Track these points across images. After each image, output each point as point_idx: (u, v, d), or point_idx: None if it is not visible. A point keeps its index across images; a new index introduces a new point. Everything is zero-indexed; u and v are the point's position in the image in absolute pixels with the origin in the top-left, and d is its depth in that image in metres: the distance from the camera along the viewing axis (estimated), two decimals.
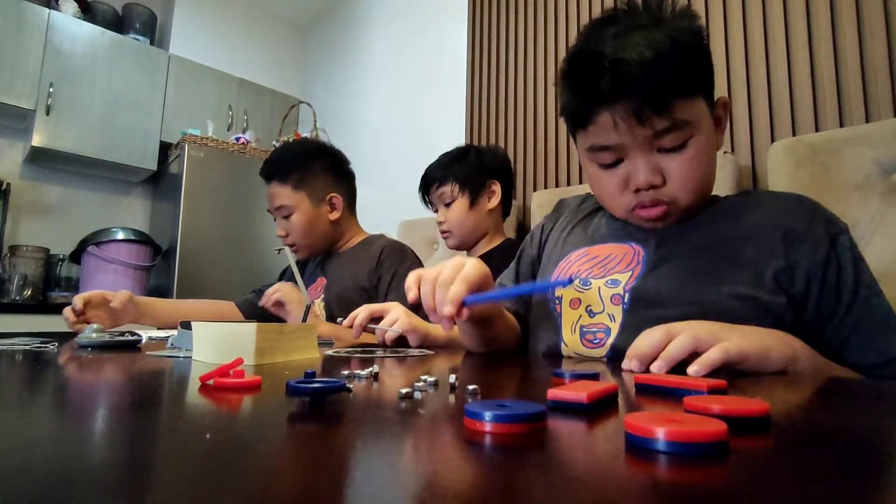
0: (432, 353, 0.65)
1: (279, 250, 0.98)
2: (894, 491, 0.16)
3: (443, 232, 1.30)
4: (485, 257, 1.19)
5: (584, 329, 0.64)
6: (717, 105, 0.64)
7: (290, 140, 1.37)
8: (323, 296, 1.23)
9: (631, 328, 0.60)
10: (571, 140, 1.65)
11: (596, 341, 0.62)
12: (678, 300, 0.58)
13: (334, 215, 1.28)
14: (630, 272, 0.64)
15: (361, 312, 0.77)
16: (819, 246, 0.57)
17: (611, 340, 0.61)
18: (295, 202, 1.24)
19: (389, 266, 1.18)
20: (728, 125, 1.27)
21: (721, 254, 0.60)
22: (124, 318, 1.11)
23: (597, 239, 0.71)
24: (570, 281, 0.53)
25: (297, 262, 1.39)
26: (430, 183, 1.30)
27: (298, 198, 1.24)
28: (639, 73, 0.54)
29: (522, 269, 0.83)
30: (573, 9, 1.68)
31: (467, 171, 1.26)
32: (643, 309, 0.60)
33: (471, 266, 0.57)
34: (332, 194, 1.28)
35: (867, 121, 1.06)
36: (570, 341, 0.65)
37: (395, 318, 0.74)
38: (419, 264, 1.25)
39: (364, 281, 1.18)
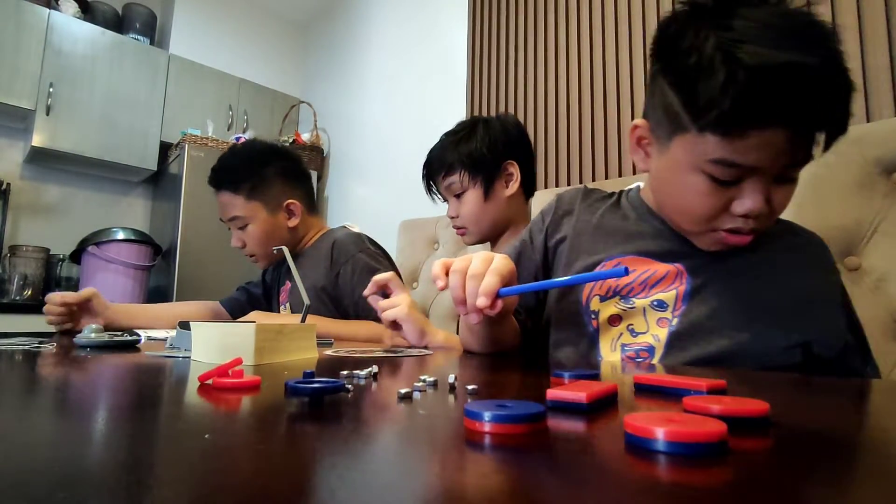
0: (430, 352, 0.65)
1: (277, 249, 0.95)
2: (894, 491, 0.16)
3: (457, 228, 1.12)
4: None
5: (626, 347, 0.62)
6: None
7: (239, 144, 1.26)
8: (288, 301, 1.19)
9: (677, 350, 0.58)
10: (567, 140, 1.66)
11: (639, 360, 0.60)
12: (728, 326, 0.57)
13: (293, 222, 1.20)
14: (674, 292, 0.61)
15: (371, 285, 0.78)
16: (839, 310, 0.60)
17: (655, 360, 0.59)
18: (249, 213, 1.16)
19: (345, 260, 1.11)
20: None
21: (758, 281, 0.59)
22: (94, 316, 1.04)
23: (632, 250, 0.65)
24: (626, 271, 0.49)
25: (264, 271, 1.35)
26: (435, 171, 1.10)
27: (253, 208, 1.16)
28: (838, 97, 0.48)
29: (523, 276, 0.73)
30: (573, 7, 1.68)
31: (477, 154, 1.04)
32: (691, 333, 0.58)
33: (500, 260, 0.55)
34: (290, 201, 1.20)
35: (867, 120, 1.06)
36: (610, 358, 0.63)
37: (397, 303, 0.74)
38: (378, 249, 1.18)
39: (322, 280, 1.11)
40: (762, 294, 0.58)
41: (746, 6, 0.49)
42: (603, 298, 0.65)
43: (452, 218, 1.10)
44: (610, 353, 0.63)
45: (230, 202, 1.17)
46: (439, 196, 1.15)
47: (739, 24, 0.47)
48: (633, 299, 0.62)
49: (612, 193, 0.77)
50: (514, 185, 1.07)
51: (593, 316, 0.65)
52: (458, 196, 1.08)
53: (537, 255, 0.75)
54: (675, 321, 0.60)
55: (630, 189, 0.75)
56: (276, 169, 1.20)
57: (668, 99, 0.54)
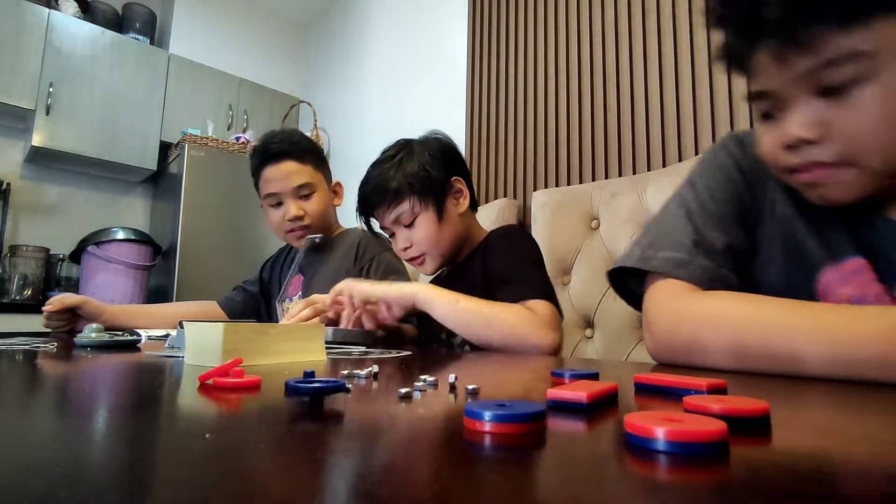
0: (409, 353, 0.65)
1: (320, 238, 0.99)
2: (894, 491, 0.16)
3: (413, 258, 1.01)
4: (469, 261, 1.01)
5: None
6: None
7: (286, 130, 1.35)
8: (300, 294, 1.22)
9: None
10: (567, 140, 1.65)
11: None
12: None
13: (338, 202, 1.29)
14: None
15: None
16: None
17: None
18: (318, 181, 1.20)
19: (371, 257, 1.15)
20: (728, 121, 1.28)
21: None
22: (91, 320, 1.04)
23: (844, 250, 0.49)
24: None
25: (282, 255, 1.40)
26: (377, 203, 0.99)
27: (319, 178, 1.21)
28: None
29: (722, 212, 0.55)
30: (573, 8, 1.68)
31: (422, 174, 0.96)
32: None
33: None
34: (336, 182, 1.29)
35: None
36: None
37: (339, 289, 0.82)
38: (395, 253, 1.17)
39: (342, 274, 1.10)
40: None
41: None
42: None
43: (406, 249, 1.00)
44: None
45: (299, 170, 1.18)
46: (384, 231, 1.05)
47: None
48: None
49: None
50: (465, 202, 1.01)
51: None
52: (408, 225, 0.98)
53: (746, 199, 0.57)
54: None
55: None
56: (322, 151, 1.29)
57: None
